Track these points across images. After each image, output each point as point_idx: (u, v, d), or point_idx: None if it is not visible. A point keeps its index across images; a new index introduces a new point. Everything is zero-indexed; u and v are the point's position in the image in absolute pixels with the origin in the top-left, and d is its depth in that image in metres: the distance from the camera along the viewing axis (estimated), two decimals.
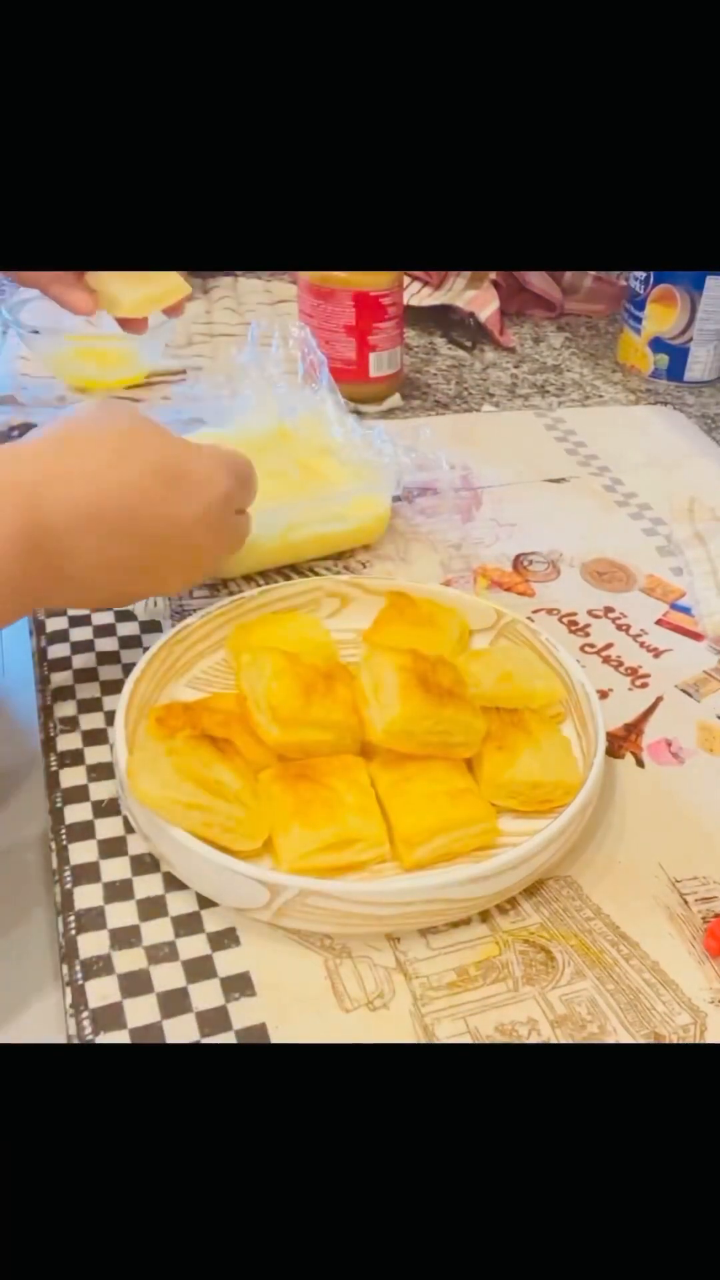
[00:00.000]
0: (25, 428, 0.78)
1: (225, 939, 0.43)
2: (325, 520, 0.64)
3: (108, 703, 0.54)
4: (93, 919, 0.43)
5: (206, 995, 0.41)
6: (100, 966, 0.41)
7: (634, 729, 0.56)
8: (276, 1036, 0.40)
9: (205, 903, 0.44)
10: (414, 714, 0.47)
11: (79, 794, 0.49)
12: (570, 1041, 0.40)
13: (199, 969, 0.42)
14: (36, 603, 0.49)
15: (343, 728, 0.48)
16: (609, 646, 0.62)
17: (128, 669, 0.55)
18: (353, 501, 0.66)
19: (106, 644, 0.58)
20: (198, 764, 0.44)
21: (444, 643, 0.56)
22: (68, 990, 0.41)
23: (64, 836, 0.47)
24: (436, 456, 0.74)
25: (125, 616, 0.60)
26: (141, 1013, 0.40)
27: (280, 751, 0.48)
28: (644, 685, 0.59)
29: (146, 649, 0.53)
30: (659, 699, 0.58)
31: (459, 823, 0.46)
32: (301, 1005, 0.41)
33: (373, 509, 0.66)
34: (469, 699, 0.49)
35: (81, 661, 0.57)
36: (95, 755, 0.51)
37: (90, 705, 0.54)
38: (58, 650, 0.57)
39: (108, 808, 0.48)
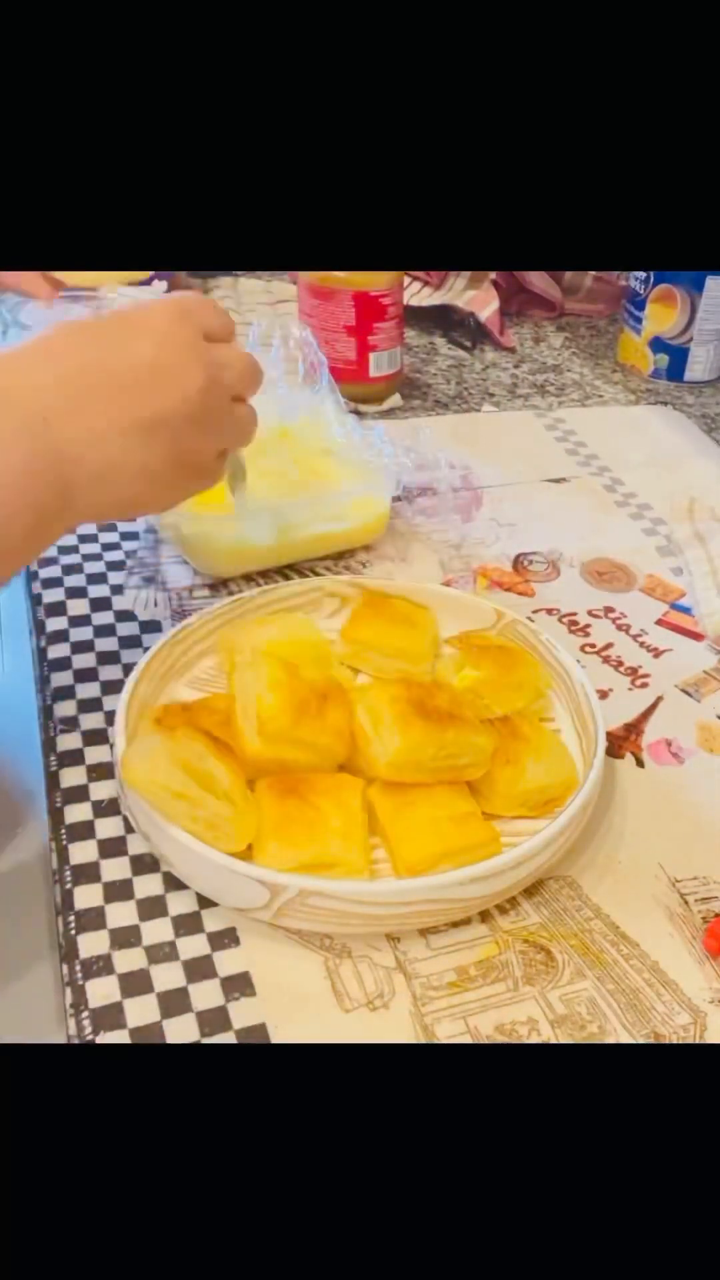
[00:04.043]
0: None
1: (225, 939, 0.43)
2: (324, 520, 0.64)
3: (108, 703, 0.54)
4: (93, 919, 0.43)
5: (206, 995, 0.41)
6: (100, 966, 0.41)
7: (634, 729, 0.56)
8: (276, 1036, 0.40)
9: (205, 903, 0.44)
10: (416, 743, 0.46)
11: (79, 794, 0.49)
12: (570, 1041, 0.40)
13: (199, 969, 0.42)
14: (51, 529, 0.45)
15: (325, 752, 0.47)
16: (609, 646, 0.62)
17: (128, 669, 0.55)
18: (351, 502, 0.66)
19: (106, 644, 0.58)
20: (192, 756, 0.44)
21: (421, 641, 0.56)
22: (68, 990, 0.41)
23: (64, 836, 0.47)
24: (436, 457, 0.74)
25: (125, 616, 0.60)
26: (141, 1013, 0.40)
27: (257, 763, 0.47)
28: (644, 685, 0.59)
29: (146, 649, 0.53)
30: (659, 699, 0.58)
31: (463, 847, 0.45)
32: (301, 1005, 0.41)
33: (371, 510, 0.66)
34: (470, 718, 0.48)
35: (81, 661, 0.57)
36: (95, 755, 0.51)
37: (90, 705, 0.54)
38: (58, 650, 0.57)
39: (108, 808, 0.48)
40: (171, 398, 0.45)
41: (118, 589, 0.62)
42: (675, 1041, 0.41)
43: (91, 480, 0.44)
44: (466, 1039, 0.40)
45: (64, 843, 0.46)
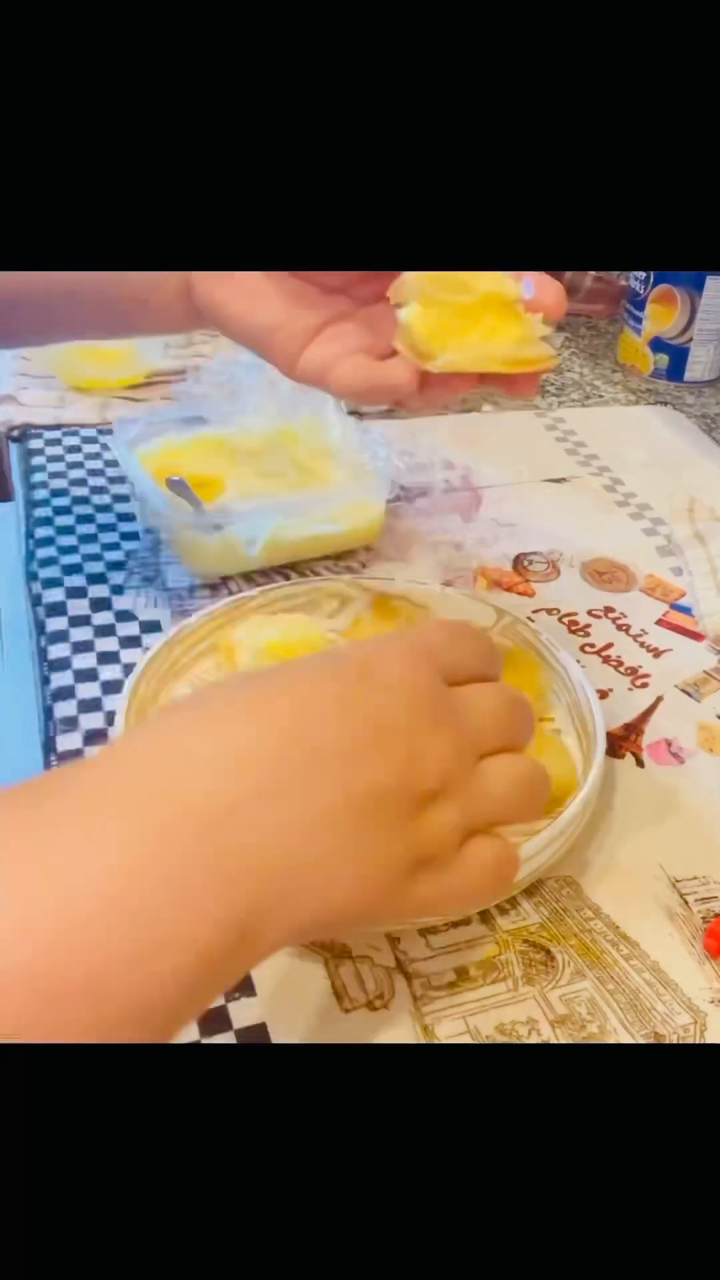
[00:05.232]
0: (25, 428, 0.78)
1: None
2: (316, 522, 0.64)
3: (108, 703, 0.54)
4: None
5: None
6: None
7: (634, 729, 0.56)
8: (276, 1036, 0.40)
9: None
10: None
11: None
12: (570, 1041, 0.40)
13: None
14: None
15: None
16: (609, 646, 0.62)
17: (128, 669, 0.55)
18: (343, 504, 0.65)
19: (106, 644, 0.58)
20: None
21: None
22: None
23: None
24: (432, 459, 0.74)
25: (125, 617, 0.60)
26: None
27: None
28: (644, 685, 0.59)
29: (146, 649, 0.53)
30: (659, 699, 0.58)
31: None
32: (301, 1005, 0.41)
33: (364, 512, 0.66)
34: None
35: (81, 661, 0.57)
36: None
37: (90, 705, 0.54)
38: (58, 650, 0.57)
39: None
40: (390, 769, 0.34)
41: (118, 589, 0.62)
42: (675, 1041, 0.41)
43: (286, 893, 0.31)
44: (466, 1039, 0.40)
45: None
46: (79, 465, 0.75)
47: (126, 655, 0.57)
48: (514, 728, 0.39)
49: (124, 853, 0.28)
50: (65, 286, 0.51)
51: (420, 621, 0.39)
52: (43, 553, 0.65)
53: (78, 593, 0.62)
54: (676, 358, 0.96)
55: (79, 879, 0.27)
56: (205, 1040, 0.39)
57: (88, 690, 0.55)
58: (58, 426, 0.79)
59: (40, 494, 0.71)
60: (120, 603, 0.61)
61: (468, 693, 0.38)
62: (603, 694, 0.58)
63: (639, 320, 0.96)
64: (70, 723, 0.52)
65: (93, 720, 0.53)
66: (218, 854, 0.29)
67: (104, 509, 0.70)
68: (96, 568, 0.64)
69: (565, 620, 0.64)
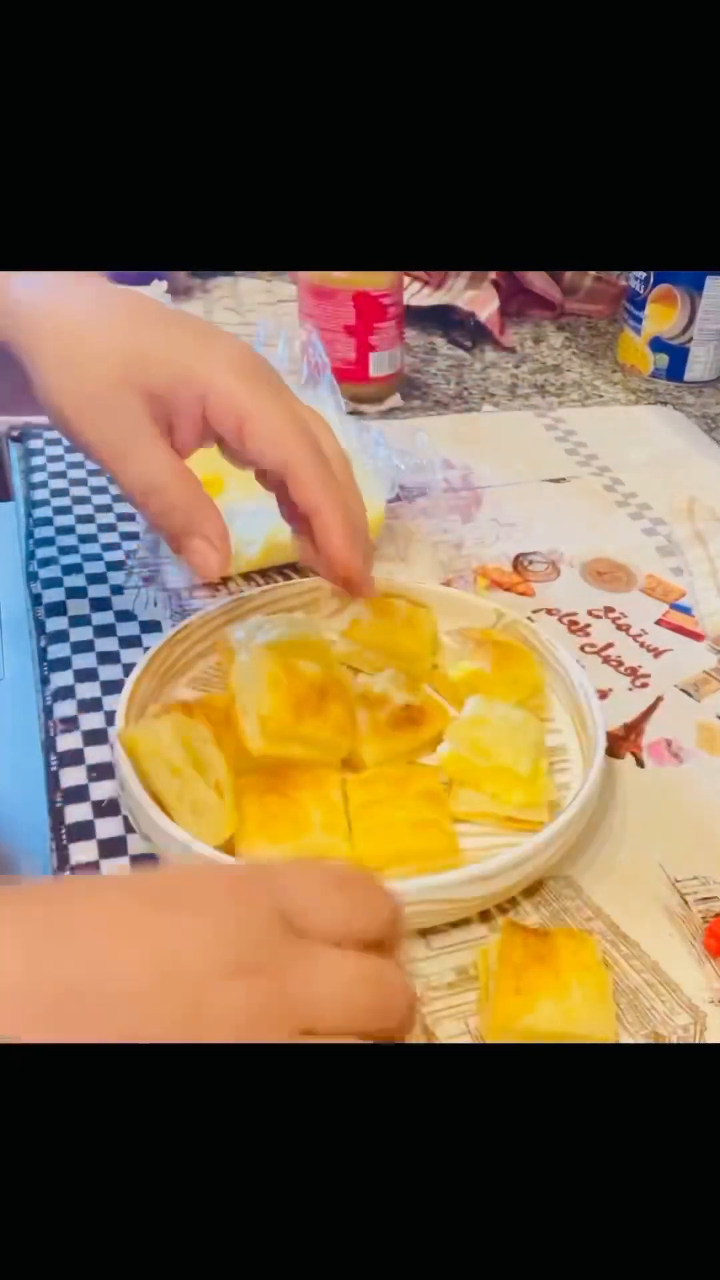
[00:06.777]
0: (25, 428, 0.78)
1: None
2: None
3: (108, 703, 0.54)
4: None
5: None
6: None
7: (634, 729, 0.56)
8: None
9: None
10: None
11: (79, 794, 0.49)
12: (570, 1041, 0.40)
13: None
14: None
15: (328, 746, 0.48)
16: (609, 646, 0.62)
17: (128, 669, 0.55)
18: None
19: (106, 644, 0.58)
20: (196, 736, 0.44)
21: (421, 641, 0.56)
22: None
23: (64, 836, 0.47)
24: (433, 459, 0.74)
25: (125, 616, 0.60)
26: None
27: (260, 762, 0.47)
28: (644, 685, 0.59)
29: (146, 649, 0.53)
30: (659, 699, 0.58)
31: (416, 854, 0.44)
32: None
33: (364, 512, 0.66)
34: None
35: (81, 661, 0.57)
36: (95, 755, 0.51)
37: (90, 705, 0.54)
38: (58, 650, 0.57)
39: (108, 808, 0.48)
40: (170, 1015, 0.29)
41: (118, 589, 0.62)
42: (675, 1041, 0.41)
43: None
44: (467, 1039, 0.40)
45: (64, 842, 0.46)
46: (79, 465, 0.75)
47: (126, 655, 0.57)
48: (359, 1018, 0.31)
49: None
50: None
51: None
52: (43, 553, 0.65)
53: (78, 593, 0.62)
54: (676, 358, 0.96)
55: None
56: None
57: (88, 690, 0.55)
58: None
59: (40, 494, 0.71)
60: (120, 603, 0.61)
61: (316, 954, 0.31)
62: (603, 694, 0.58)
63: (639, 320, 0.96)
64: (70, 723, 0.53)
65: (93, 720, 0.53)
66: None
67: (104, 509, 0.70)
68: (96, 568, 0.64)
69: (565, 620, 0.64)
